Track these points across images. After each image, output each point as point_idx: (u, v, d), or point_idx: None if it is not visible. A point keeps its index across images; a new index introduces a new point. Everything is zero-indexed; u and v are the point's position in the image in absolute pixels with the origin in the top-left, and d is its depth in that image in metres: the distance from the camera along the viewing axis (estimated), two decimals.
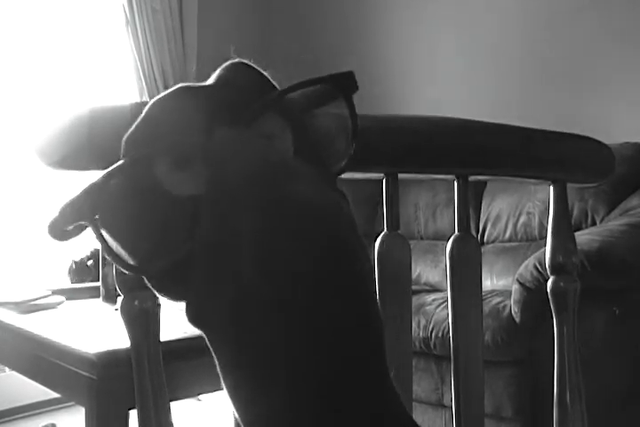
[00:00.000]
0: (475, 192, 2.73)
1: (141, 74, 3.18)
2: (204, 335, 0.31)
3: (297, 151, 0.33)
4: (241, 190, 0.30)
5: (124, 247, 0.32)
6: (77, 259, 2.30)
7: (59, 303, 1.87)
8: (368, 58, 3.40)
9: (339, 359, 0.29)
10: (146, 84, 3.17)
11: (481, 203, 2.76)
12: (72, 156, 0.32)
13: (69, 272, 2.29)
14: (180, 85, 0.34)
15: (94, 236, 0.32)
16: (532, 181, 0.75)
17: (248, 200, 0.30)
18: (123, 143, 0.32)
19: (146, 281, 0.33)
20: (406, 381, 0.64)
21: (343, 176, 0.60)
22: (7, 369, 2.60)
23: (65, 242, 0.32)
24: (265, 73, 0.35)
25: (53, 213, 0.32)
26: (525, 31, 2.90)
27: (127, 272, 0.33)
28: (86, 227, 0.32)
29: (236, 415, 0.30)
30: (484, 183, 2.75)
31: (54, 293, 1.95)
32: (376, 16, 3.39)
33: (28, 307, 1.81)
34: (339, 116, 0.35)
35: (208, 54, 3.37)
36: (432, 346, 2.02)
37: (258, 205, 0.30)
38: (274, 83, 0.35)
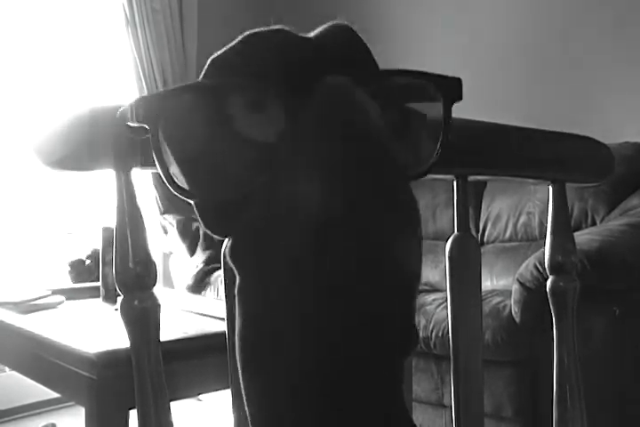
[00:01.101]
0: (475, 192, 2.73)
1: (141, 74, 3.18)
2: (235, 272, 0.30)
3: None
4: (320, 151, 0.28)
5: (180, 167, 0.30)
6: (75, 260, 2.29)
7: (59, 303, 1.87)
8: None
9: (339, 361, 0.29)
10: (146, 84, 3.17)
11: (481, 203, 2.76)
12: (71, 156, 0.32)
13: (70, 273, 2.29)
14: (280, 27, 0.32)
15: (152, 144, 0.29)
16: (532, 181, 0.75)
17: (324, 163, 0.28)
18: (209, 62, 0.30)
19: (196, 211, 0.32)
20: (407, 381, 0.64)
21: None
22: (7, 369, 2.60)
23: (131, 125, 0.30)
24: (368, 46, 0.33)
25: (130, 100, 0.30)
26: (525, 31, 2.89)
27: (176, 193, 0.31)
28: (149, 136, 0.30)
29: (245, 407, 0.30)
30: (484, 183, 2.75)
31: (54, 293, 1.95)
32: (376, 15, 3.39)
33: (28, 307, 1.81)
34: (430, 118, 0.33)
35: (208, 54, 3.37)
36: (432, 346, 2.02)
37: (329, 171, 0.28)
38: (374, 58, 0.33)
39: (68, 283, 2.29)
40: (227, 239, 0.31)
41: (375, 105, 0.31)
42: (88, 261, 2.28)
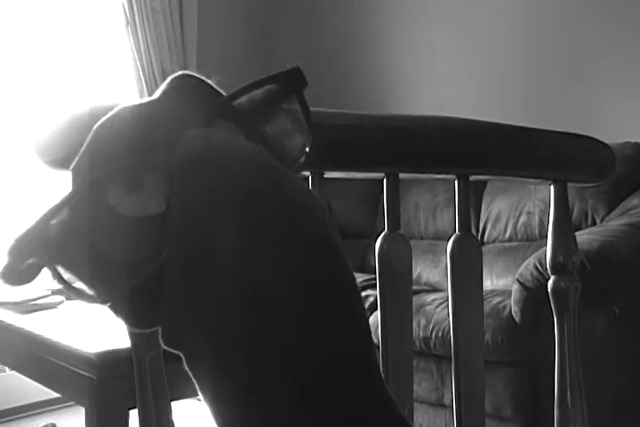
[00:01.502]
0: (475, 192, 2.73)
1: (141, 74, 3.18)
2: (181, 356, 0.30)
3: None
4: (201, 203, 0.29)
5: (82, 280, 0.31)
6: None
7: (59, 303, 1.87)
8: (369, 58, 3.40)
9: (321, 361, 0.29)
10: (146, 84, 3.17)
11: (481, 203, 2.76)
12: (72, 155, 0.32)
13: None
14: (121, 106, 0.32)
15: (50, 274, 0.30)
16: (533, 180, 0.75)
17: (221, 211, 0.29)
18: (71, 174, 0.31)
19: (113, 312, 0.32)
20: (407, 381, 0.64)
21: (343, 176, 0.60)
22: (7, 369, 2.60)
23: (22, 285, 0.31)
24: (209, 81, 0.34)
25: (2, 259, 0.31)
26: (526, 31, 2.89)
27: (93, 304, 0.32)
28: (41, 267, 0.31)
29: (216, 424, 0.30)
30: (484, 183, 2.75)
31: (54, 293, 1.95)
32: (377, 16, 3.39)
33: (28, 307, 1.81)
34: (293, 114, 0.35)
35: (208, 54, 3.38)
36: (432, 346, 2.02)
37: (233, 214, 0.29)
38: (220, 90, 0.34)
39: None
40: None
41: (233, 137, 0.32)
42: None
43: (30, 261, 0.31)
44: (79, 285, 0.31)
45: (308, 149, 0.35)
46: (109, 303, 0.32)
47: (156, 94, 0.33)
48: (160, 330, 0.30)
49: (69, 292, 0.31)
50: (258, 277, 0.29)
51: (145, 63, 3.17)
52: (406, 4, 3.28)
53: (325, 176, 0.57)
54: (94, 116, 0.33)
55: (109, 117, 0.32)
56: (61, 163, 0.32)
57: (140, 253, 0.31)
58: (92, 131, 0.32)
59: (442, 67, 3.17)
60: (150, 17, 3.16)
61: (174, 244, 0.30)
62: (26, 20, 2.90)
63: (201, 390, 0.30)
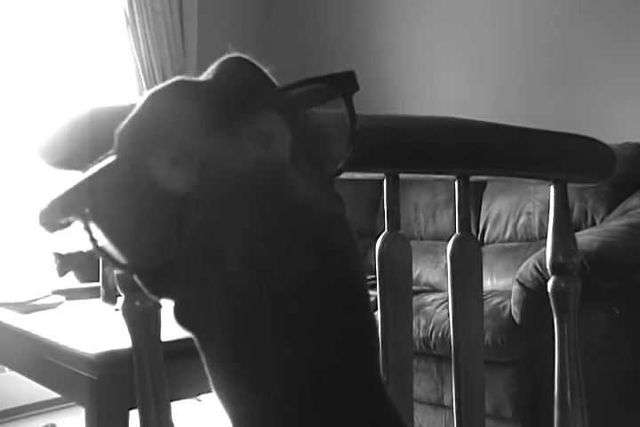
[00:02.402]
0: (475, 192, 2.73)
1: (141, 74, 3.18)
2: (191, 335, 0.31)
3: (295, 150, 0.33)
4: (231, 192, 0.30)
5: (115, 245, 0.31)
6: (63, 252, 2.26)
7: (59, 303, 1.87)
8: (368, 58, 3.40)
9: (329, 359, 0.29)
10: (146, 84, 3.17)
11: (481, 203, 2.76)
12: (73, 156, 0.32)
13: (56, 264, 2.25)
14: (177, 79, 0.33)
15: (84, 232, 0.31)
16: (533, 181, 0.75)
17: (238, 202, 0.30)
18: (116, 137, 0.32)
19: (136, 279, 0.33)
20: (407, 381, 0.64)
21: (343, 176, 0.60)
22: (7, 369, 2.60)
23: (55, 233, 0.32)
24: (264, 69, 0.34)
25: (44, 203, 0.31)
26: (526, 31, 2.90)
27: (118, 270, 0.32)
28: (75, 220, 0.32)
29: (226, 413, 0.30)
30: (484, 183, 2.75)
31: (54, 293, 1.95)
32: (377, 16, 3.39)
33: (29, 307, 1.81)
34: (338, 116, 0.35)
35: (208, 54, 3.37)
36: (432, 346, 2.02)
37: (248, 207, 0.30)
38: (273, 79, 0.34)
39: (68, 283, 2.28)
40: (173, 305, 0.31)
41: (267, 143, 0.32)
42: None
43: (70, 218, 0.31)
44: (110, 249, 0.31)
45: (350, 154, 0.35)
46: (136, 273, 0.32)
47: (210, 73, 0.33)
48: (173, 307, 0.31)
49: (99, 254, 0.31)
50: (263, 274, 0.29)
51: (145, 63, 3.17)
52: (406, 5, 3.28)
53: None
54: (95, 117, 0.34)
55: (163, 89, 0.32)
56: (64, 163, 0.32)
57: (169, 232, 0.31)
58: (146, 98, 0.32)
59: (442, 67, 3.17)
60: (150, 17, 3.16)
61: (193, 228, 0.30)
62: (26, 21, 2.90)
63: (210, 370, 0.30)
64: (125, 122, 0.32)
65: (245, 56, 0.34)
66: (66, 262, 2.18)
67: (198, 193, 0.30)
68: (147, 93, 0.33)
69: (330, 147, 0.35)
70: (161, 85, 0.33)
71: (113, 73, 3.19)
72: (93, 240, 0.31)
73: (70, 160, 0.33)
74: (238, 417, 0.30)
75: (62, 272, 2.19)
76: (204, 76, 0.34)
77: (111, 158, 0.31)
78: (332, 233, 0.31)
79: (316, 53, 3.49)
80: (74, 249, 2.24)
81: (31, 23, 2.92)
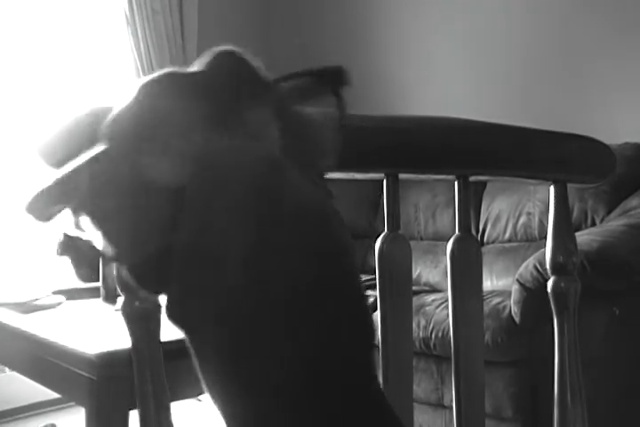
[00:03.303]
0: (475, 192, 2.73)
1: (141, 74, 3.18)
2: (183, 334, 0.30)
3: (285, 144, 0.33)
4: (225, 185, 0.30)
5: (104, 235, 0.31)
6: (70, 233, 2.26)
7: (59, 303, 1.87)
8: (368, 58, 3.40)
9: (325, 361, 0.29)
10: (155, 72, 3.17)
11: (481, 203, 2.76)
12: (73, 156, 0.32)
13: (58, 245, 2.25)
14: (167, 71, 0.32)
15: (72, 222, 0.31)
16: (533, 181, 0.75)
17: (232, 195, 0.30)
18: (106, 126, 0.32)
19: (127, 272, 0.32)
20: (407, 381, 0.64)
21: (343, 176, 0.60)
22: (7, 369, 2.60)
23: (43, 222, 0.32)
24: (255, 61, 0.34)
25: (32, 192, 0.31)
26: (526, 31, 2.90)
27: (108, 261, 0.32)
28: (63, 209, 0.31)
29: (220, 413, 0.30)
30: (484, 183, 2.75)
31: (55, 293, 1.95)
32: (376, 15, 3.39)
33: (29, 307, 1.81)
34: (327, 111, 0.35)
35: None
36: (432, 346, 2.02)
37: (242, 200, 0.29)
38: (264, 73, 0.34)
39: (69, 282, 2.28)
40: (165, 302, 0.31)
41: (258, 135, 0.32)
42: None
43: (59, 207, 0.31)
44: (100, 240, 0.31)
45: (338, 148, 0.34)
46: (126, 264, 0.32)
47: (201, 65, 0.33)
48: (165, 302, 0.31)
49: (86, 244, 0.31)
50: (260, 272, 0.29)
51: (145, 63, 3.17)
52: (407, 5, 3.28)
53: (325, 177, 0.57)
54: (95, 117, 0.33)
55: (154, 80, 0.32)
56: (64, 163, 0.32)
57: (159, 222, 0.31)
58: (138, 88, 0.32)
59: (442, 67, 3.17)
60: (150, 17, 3.16)
61: (187, 221, 0.30)
62: (26, 21, 2.90)
63: (201, 369, 0.30)
64: (115, 112, 0.32)
65: (236, 48, 0.34)
66: (68, 244, 2.19)
67: (192, 186, 0.30)
68: (137, 84, 0.32)
69: (321, 142, 0.35)
70: (151, 76, 0.32)
71: (113, 73, 3.19)
72: (81, 230, 0.31)
73: (70, 160, 0.33)
74: (232, 417, 0.29)
75: (62, 252, 2.19)
76: (194, 67, 0.34)
77: (101, 148, 0.31)
78: (326, 228, 0.31)
79: (316, 53, 3.49)
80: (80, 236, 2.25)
81: (31, 23, 2.92)
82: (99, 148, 0.31)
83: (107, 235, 0.31)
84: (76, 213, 0.31)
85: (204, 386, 0.30)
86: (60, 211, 0.31)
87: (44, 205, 0.31)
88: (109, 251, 0.31)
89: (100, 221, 0.31)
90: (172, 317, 0.30)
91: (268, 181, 0.30)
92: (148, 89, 0.32)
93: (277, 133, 0.33)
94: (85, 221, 0.31)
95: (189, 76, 0.33)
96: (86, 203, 0.31)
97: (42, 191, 0.31)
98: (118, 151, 0.31)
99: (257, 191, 0.30)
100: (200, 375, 0.30)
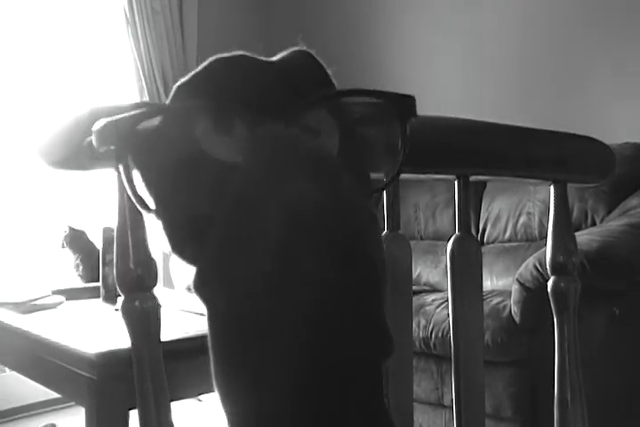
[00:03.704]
0: (475, 192, 2.73)
1: (141, 74, 3.18)
2: (204, 305, 0.30)
3: (341, 152, 0.32)
4: (280, 170, 0.29)
5: (148, 187, 0.31)
6: (74, 227, 2.27)
7: (59, 303, 1.87)
8: (368, 58, 3.40)
9: (329, 361, 0.29)
10: (146, 84, 3.17)
11: (481, 203, 2.76)
12: (73, 156, 0.32)
13: (64, 239, 2.25)
14: (242, 52, 0.33)
15: (118, 165, 0.30)
16: (533, 181, 0.75)
17: (277, 186, 0.29)
18: (174, 88, 0.32)
19: (163, 232, 0.32)
20: (407, 381, 0.64)
21: None
22: (7, 369, 2.60)
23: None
24: (328, 69, 0.34)
25: (98, 123, 0.30)
26: (526, 31, 2.90)
27: (146, 213, 0.32)
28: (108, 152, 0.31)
29: (223, 410, 0.30)
30: (484, 183, 2.75)
31: (54, 293, 1.95)
32: (376, 17, 3.39)
33: (28, 307, 1.81)
34: (389, 135, 0.34)
35: (208, 54, 3.36)
36: (432, 346, 2.02)
37: (293, 187, 0.29)
38: (333, 80, 0.34)
39: (69, 282, 2.29)
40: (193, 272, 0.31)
41: (316, 136, 0.32)
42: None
43: (105, 147, 0.31)
44: (143, 191, 0.31)
45: (396, 174, 0.34)
46: (164, 220, 0.32)
47: (277, 58, 0.33)
48: (195, 272, 0.30)
49: (131, 193, 0.31)
50: (290, 268, 0.29)
51: (145, 63, 3.17)
52: (406, 5, 3.28)
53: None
54: (95, 117, 0.34)
55: (232, 57, 0.32)
56: (64, 163, 0.32)
57: (203, 190, 0.31)
58: (214, 59, 0.32)
59: (441, 67, 3.17)
60: (150, 17, 3.16)
61: (232, 203, 0.30)
62: (26, 21, 2.90)
63: (211, 354, 0.30)
64: (186, 78, 0.31)
65: (312, 52, 0.34)
66: (72, 237, 2.20)
67: (243, 166, 0.30)
68: (215, 57, 0.32)
69: (374, 161, 0.35)
70: (227, 53, 0.32)
71: (113, 73, 3.19)
72: (129, 179, 0.31)
73: (70, 160, 0.33)
74: (234, 414, 0.29)
75: (65, 244, 2.20)
76: (272, 58, 0.34)
77: (164, 104, 0.31)
78: (354, 237, 0.30)
79: (316, 53, 3.49)
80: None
81: (31, 23, 2.92)
82: (160, 106, 0.31)
83: (157, 190, 0.31)
84: (123, 159, 0.30)
85: (211, 372, 0.30)
86: (105, 153, 0.31)
87: (106, 140, 0.31)
88: (151, 204, 0.31)
89: (146, 173, 0.31)
90: (198, 286, 0.30)
91: (320, 174, 0.30)
92: (220, 63, 0.32)
93: (337, 135, 0.32)
94: (135, 174, 0.31)
95: (262, 63, 0.33)
96: (137, 153, 0.31)
97: (99, 129, 0.30)
98: (178, 112, 0.31)
99: (308, 179, 0.29)
100: (210, 353, 0.30)
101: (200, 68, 0.32)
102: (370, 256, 0.31)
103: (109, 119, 0.30)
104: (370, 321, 0.30)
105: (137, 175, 0.31)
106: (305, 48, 0.34)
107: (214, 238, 0.30)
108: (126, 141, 0.30)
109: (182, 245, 0.32)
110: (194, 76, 0.32)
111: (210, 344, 0.30)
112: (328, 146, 0.32)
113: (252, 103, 0.31)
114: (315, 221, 0.29)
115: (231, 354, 0.29)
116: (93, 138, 0.31)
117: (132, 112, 0.30)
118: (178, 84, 0.31)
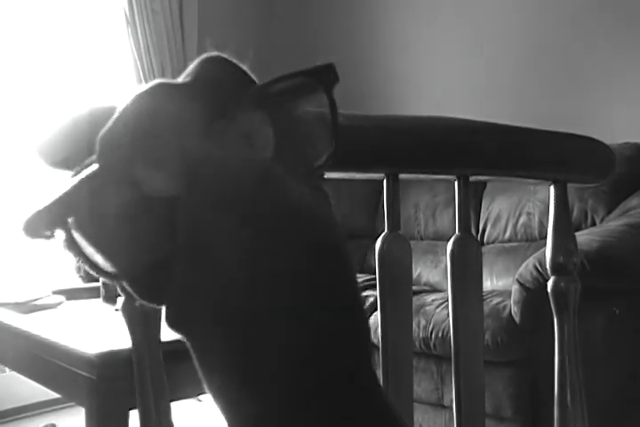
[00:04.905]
0: (475, 192, 2.73)
1: (141, 74, 3.18)
2: (184, 340, 0.30)
3: (278, 147, 0.33)
4: (219, 193, 0.30)
5: (100, 252, 0.31)
6: None
7: (59, 303, 1.87)
8: (368, 58, 3.40)
9: (326, 359, 0.29)
10: (146, 84, 3.17)
11: (481, 203, 2.76)
12: (73, 156, 0.32)
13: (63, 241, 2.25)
14: (157, 82, 0.33)
15: (65, 242, 0.31)
16: (533, 181, 0.75)
17: (227, 203, 0.30)
18: (98, 142, 0.32)
19: (125, 286, 0.32)
20: (407, 381, 0.64)
21: (343, 176, 0.60)
22: (7, 369, 2.60)
23: (39, 240, 0.32)
24: (243, 66, 0.34)
25: (27, 213, 0.31)
26: (526, 31, 2.90)
27: (104, 279, 0.32)
28: (59, 231, 0.31)
29: (222, 414, 0.30)
30: (484, 183, 2.75)
31: (55, 293, 1.95)
32: (377, 16, 3.39)
33: (29, 307, 1.81)
34: (319, 111, 0.34)
35: None
36: (432, 346, 2.02)
37: (237, 208, 0.30)
38: (253, 77, 0.34)
39: (69, 282, 2.28)
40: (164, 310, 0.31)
41: (250, 141, 0.32)
42: None
43: (55, 229, 0.31)
44: (95, 258, 0.31)
45: (332, 149, 0.34)
46: (124, 279, 0.32)
47: (189, 74, 0.33)
48: (165, 312, 0.31)
49: (84, 263, 0.31)
50: (258, 274, 0.29)
51: (145, 63, 3.17)
52: (406, 4, 3.28)
53: (325, 177, 0.57)
54: (95, 117, 0.33)
55: (144, 92, 0.32)
56: (64, 163, 0.32)
57: (156, 234, 0.31)
58: (127, 102, 0.32)
59: (441, 67, 3.17)
60: (150, 17, 3.16)
61: (183, 232, 0.30)
62: (26, 21, 2.90)
63: (204, 374, 0.30)
64: (106, 127, 0.32)
65: (223, 54, 0.34)
66: (72, 240, 2.20)
67: (186, 195, 0.30)
68: (127, 97, 0.32)
69: (314, 141, 0.35)
70: (141, 88, 0.32)
71: (113, 73, 3.19)
72: (79, 251, 0.31)
73: (70, 160, 0.33)
74: (234, 418, 0.30)
75: (66, 248, 2.21)
76: (183, 78, 0.34)
77: (94, 166, 0.31)
78: (322, 231, 0.31)
79: (316, 53, 3.49)
80: None
81: (31, 23, 2.92)
82: (94, 165, 0.31)
83: (105, 253, 0.31)
84: (70, 232, 0.31)
85: (205, 388, 0.30)
86: (55, 233, 0.31)
87: (40, 228, 0.31)
88: (106, 267, 0.31)
89: (97, 240, 0.31)
90: (173, 323, 0.30)
91: (258, 186, 0.30)
92: (137, 101, 0.32)
93: (271, 134, 0.33)
94: (80, 239, 0.31)
95: (179, 86, 0.33)
96: (81, 222, 0.31)
97: (37, 213, 0.31)
98: (110, 167, 0.31)
99: (248, 197, 0.30)
100: (202, 376, 0.30)
101: (116, 114, 0.32)
102: (338, 260, 0.31)
103: (36, 211, 0.31)
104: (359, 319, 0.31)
105: (83, 244, 0.31)
106: (213, 52, 0.34)
107: (177, 278, 0.30)
108: (64, 221, 0.31)
109: (149, 294, 0.33)
110: (112, 125, 0.32)
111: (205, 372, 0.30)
112: (264, 149, 0.32)
113: (179, 130, 0.31)
114: (275, 227, 0.30)
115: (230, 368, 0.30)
116: (37, 219, 0.31)
117: (67, 186, 0.31)
118: (99, 136, 0.31)
